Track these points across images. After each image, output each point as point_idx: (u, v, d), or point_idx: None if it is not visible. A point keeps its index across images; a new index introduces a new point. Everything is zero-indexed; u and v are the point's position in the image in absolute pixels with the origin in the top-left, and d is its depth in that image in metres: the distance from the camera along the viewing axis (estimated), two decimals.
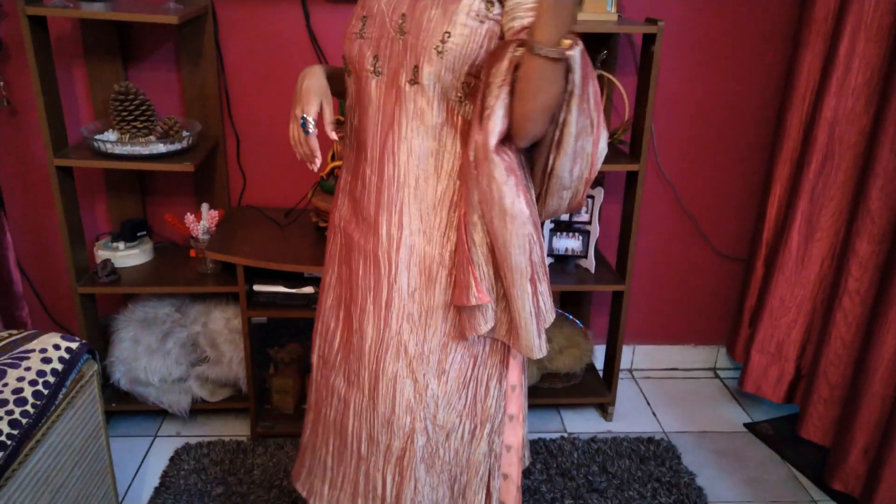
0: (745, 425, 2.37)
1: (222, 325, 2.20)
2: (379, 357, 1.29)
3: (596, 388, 2.38)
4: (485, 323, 1.23)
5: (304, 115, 1.23)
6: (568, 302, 2.51)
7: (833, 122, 2.04)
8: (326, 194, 2.07)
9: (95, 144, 1.96)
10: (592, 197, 2.20)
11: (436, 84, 1.16)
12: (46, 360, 1.48)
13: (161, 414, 2.28)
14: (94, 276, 2.09)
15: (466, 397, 1.30)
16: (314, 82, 1.27)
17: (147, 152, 1.96)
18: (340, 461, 1.39)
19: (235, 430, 2.23)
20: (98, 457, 1.65)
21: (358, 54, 1.24)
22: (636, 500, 1.99)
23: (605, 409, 2.38)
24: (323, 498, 1.42)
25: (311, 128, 1.24)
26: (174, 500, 1.93)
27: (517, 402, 1.37)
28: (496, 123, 1.09)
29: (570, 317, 2.40)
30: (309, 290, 2.06)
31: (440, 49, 1.13)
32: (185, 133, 2.04)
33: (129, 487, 2.01)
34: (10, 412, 1.36)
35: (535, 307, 1.22)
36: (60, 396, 1.49)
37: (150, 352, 2.15)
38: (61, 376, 1.49)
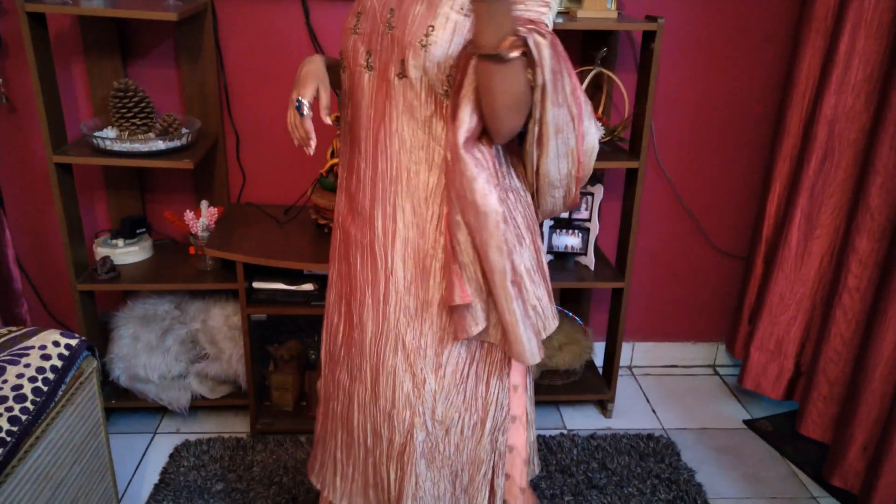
0: (745, 422, 2.37)
1: (222, 322, 2.20)
2: (379, 350, 1.29)
3: (595, 385, 2.39)
4: (475, 325, 1.23)
5: (300, 98, 1.24)
6: (567, 299, 2.51)
7: (833, 119, 2.04)
8: (326, 191, 2.07)
9: (95, 141, 1.96)
10: (592, 194, 2.20)
11: (422, 77, 1.16)
12: (46, 357, 1.48)
13: (161, 411, 2.28)
14: (93, 273, 2.09)
15: (465, 393, 1.30)
16: (313, 68, 1.28)
17: (146, 149, 1.96)
18: (349, 454, 1.39)
19: (235, 426, 2.24)
20: (98, 453, 1.65)
21: (352, 50, 1.25)
22: (636, 497, 2.00)
23: (604, 406, 2.38)
24: (336, 490, 1.43)
25: (307, 110, 1.24)
26: (174, 497, 1.94)
27: (520, 403, 1.37)
28: (463, 121, 1.11)
29: (570, 314, 2.40)
30: (308, 287, 2.06)
31: (424, 42, 1.13)
32: (184, 130, 2.03)
33: (128, 484, 2.01)
34: (9, 409, 1.36)
35: (524, 310, 1.22)
36: (60, 393, 1.49)
37: (149, 349, 2.16)
38: (61, 373, 1.49)
